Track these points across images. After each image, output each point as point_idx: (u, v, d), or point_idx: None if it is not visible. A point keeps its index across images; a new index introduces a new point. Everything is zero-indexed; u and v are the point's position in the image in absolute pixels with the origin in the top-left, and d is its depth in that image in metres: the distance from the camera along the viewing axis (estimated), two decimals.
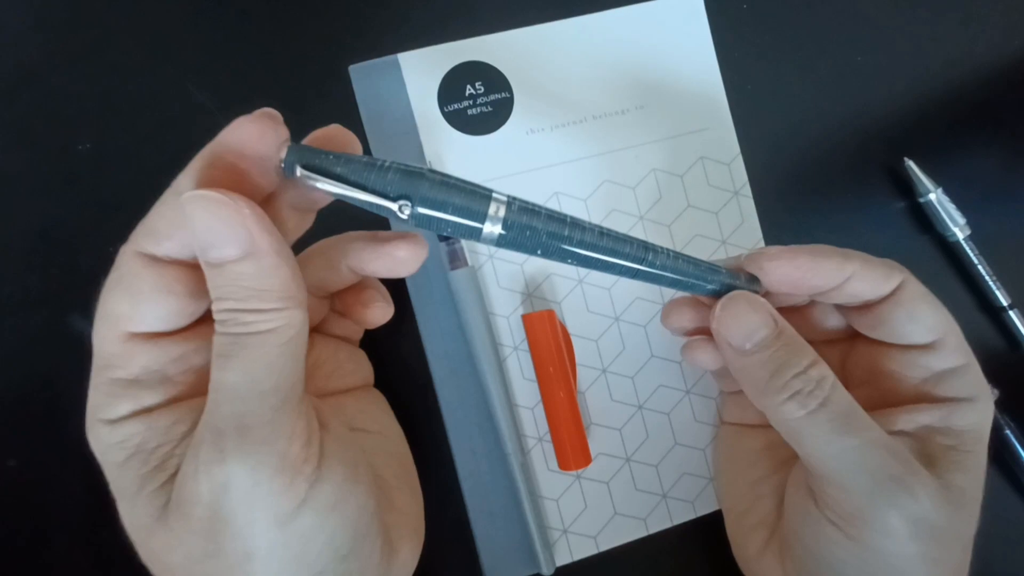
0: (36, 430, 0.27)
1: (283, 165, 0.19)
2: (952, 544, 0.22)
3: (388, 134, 0.30)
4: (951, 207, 0.32)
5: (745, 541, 0.26)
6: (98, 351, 0.19)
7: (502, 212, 0.19)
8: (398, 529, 0.23)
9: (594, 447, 0.30)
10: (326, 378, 0.25)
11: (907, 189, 0.33)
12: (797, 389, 0.21)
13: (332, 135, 0.20)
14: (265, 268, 0.18)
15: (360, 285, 0.25)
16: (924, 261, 0.33)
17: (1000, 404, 0.31)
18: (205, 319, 0.20)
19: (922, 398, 0.23)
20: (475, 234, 0.20)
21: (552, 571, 0.29)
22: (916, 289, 0.23)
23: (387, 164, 0.19)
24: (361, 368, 0.27)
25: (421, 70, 0.30)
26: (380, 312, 0.25)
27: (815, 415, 0.21)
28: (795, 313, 0.27)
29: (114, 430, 0.18)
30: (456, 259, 0.29)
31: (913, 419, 0.23)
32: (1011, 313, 0.32)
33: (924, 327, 0.23)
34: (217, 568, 0.18)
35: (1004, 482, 0.32)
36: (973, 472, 0.23)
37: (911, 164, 0.32)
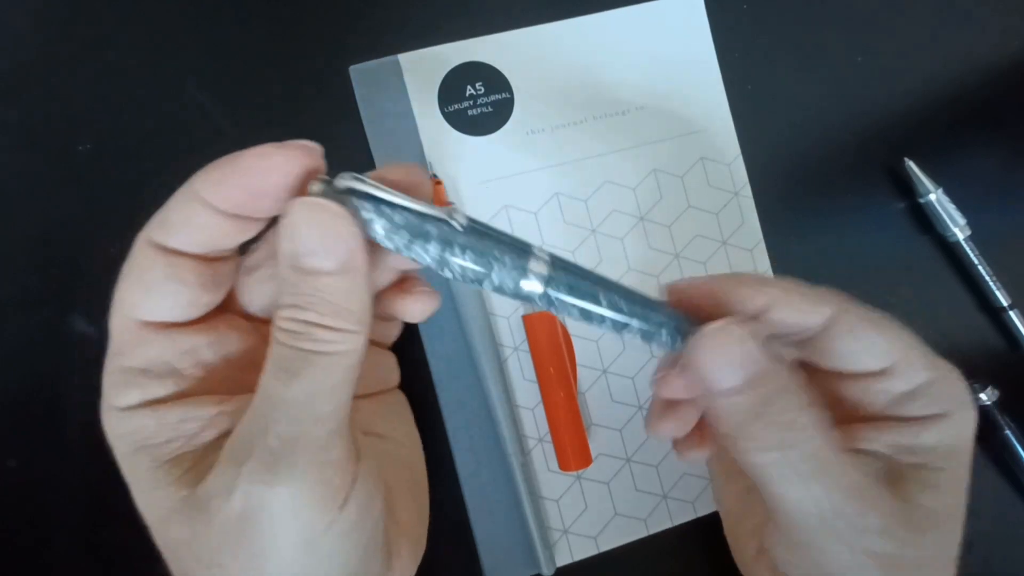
0: (36, 430, 0.27)
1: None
2: (917, 570, 0.21)
3: (388, 135, 0.30)
4: (951, 207, 0.32)
5: (741, 545, 0.26)
6: (112, 338, 0.19)
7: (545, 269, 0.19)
8: (397, 542, 0.22)
9: (594, 447, 0.30)
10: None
11: (907, 189, 0.33)
12: (777, 436, 0.19)
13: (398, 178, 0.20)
14: (355, 288, 0.18)
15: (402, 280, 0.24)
16: (924, 261, 0.33)
17: (1000, 404, 0.31)
18: (216, 313, 0.20)
19: (888, 419, 0.22)
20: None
21: (552, 571, 0.29)
22: (854, 317, 0.21)
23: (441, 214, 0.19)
24: (384, 371, 0.26)
25: (421, 70, 0.30)
26: (426, 303, 0.23)
27: (789, 459, 0.19)
28: None
29: (123, 420, 0.18)
30: None
31: (877, 437, 0.22)
32: (1011, 313, 0.32)
33: (871, 355, 0.21)
34: (234, 566, 0.18)
35: (1004, 482, 0.32)
36: (945, 490, 0.21)
37: (911, 164, 0.32)
